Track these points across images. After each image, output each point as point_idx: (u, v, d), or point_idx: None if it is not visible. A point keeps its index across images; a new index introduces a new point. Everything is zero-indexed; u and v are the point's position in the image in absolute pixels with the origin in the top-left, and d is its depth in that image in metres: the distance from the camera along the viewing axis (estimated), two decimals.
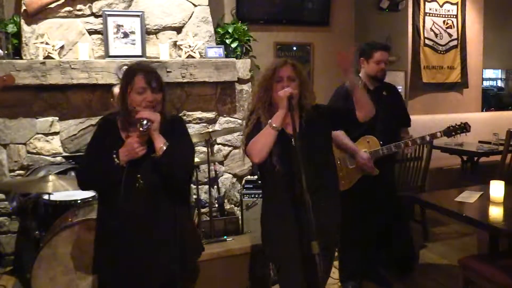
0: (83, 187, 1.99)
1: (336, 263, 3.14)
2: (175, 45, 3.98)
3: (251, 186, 3.86)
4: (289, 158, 1.97)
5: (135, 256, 1.83)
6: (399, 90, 5.00)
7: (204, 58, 3.94)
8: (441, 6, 5.53)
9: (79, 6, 3.73)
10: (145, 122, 1.76)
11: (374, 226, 2.99)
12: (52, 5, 3.65)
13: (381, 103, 2.73)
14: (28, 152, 3.69)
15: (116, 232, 1.82)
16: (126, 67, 3.59)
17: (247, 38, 4.23)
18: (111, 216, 1.85)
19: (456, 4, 5.61)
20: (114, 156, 1.78)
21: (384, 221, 3.04)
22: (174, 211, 1.88)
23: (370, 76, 2.95)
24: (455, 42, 5.64)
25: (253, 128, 2.04)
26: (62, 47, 3.69)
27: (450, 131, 2.94)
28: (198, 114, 4.06)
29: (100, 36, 3.79)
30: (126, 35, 3.79)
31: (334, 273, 3.06)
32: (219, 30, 4.20)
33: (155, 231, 1.85)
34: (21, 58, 3.61)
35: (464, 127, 2.96)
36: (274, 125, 1.94)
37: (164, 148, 1.79)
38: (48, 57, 3.59)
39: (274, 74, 2.03)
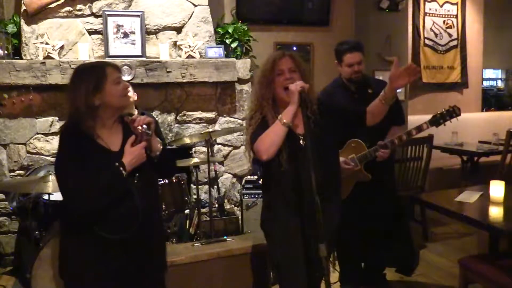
0: (81, 211, 1.72)
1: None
2: (175, 45, 3.98)
3: (251, 186, 3.86)
4: (297, 158, 1.93)
5: (130, 255, 1.81)
6: (399, 90, 5.02)
7: (204, 58, 3.94)
8: (441, 6, 5.53)
9: (79, 6, 3.73)
10: (146, 127, 1.77)
11: (375, 229, 2.92)
12: (52, 5, 3.65)
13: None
14: (28, 152, 3.69)
15: (120, 238, 1.77)
16: (126, 67, 3.64)
17: (247, 38, 4.23)
18: (114, 225, 1.78)
19: (456, 4, 5.61)
20: (121, 168, 1.73)
21: (384, 223, 2.99)
22: (159, 205, 2.03)
23: (346, 79, 2.83)
24: (455, 42, 5.64)
25: (258, 126, 1.96)
26: (62, 47, 3.69)
27: (437, 119, 2.60)
28: (198, 114, 4.06)
29: (100, 36, 3.79)
30: (126, 35, 3.79)
31: (334, 272, 3.06)
32: (219, 30, 4.20)
33: (153, 226, 1.87)
34: (21, 58, 3.62)
35: (452, 111, 2.57)
36: (285, 121, 1.87)
37: (161, 147, 1.85)
38: (48, 57, 3.59)
39: (274, 68, 1.96)
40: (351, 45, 2.81)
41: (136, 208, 1.76)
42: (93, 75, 1.78)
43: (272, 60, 1.98)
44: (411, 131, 2.67)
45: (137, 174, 1.81)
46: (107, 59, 3.69)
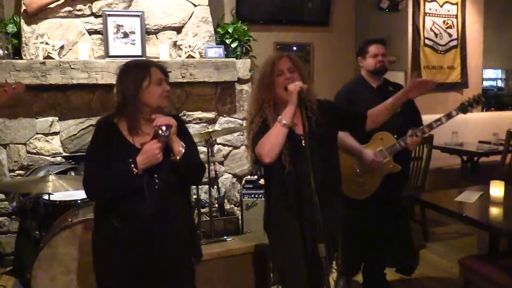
0: (94, 197, 1.92)
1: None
2: (175, 45, 3.98)
3: (251, 186, 3.86)
4: (299, 158, 1.92)
5: (151, 256, 1.83)
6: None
7: (204, 58, 3.94)
8: (441, 6, 5.52)
9: (79, 6, 3.73)
10: (164, 128, 1.75)
11: (376, 229, 2.89)
12: (52, 5, 3.65)
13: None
14: (28, 152, 3.69)
15: (131, 234, 1.81)
16: None
17: (247, 38, 4.23)
18: (125, 219, 1.82)
19: (456, 4, 5.60)
20: (132, 166, 1.75)
21: (385, 223, 2.96)
22: (186, 207, 1.97)
23: (370, 72, 2.88)
24: (455, 42, 5.63)
25: (259, 130, 1.95)
26: (62, 47, 3.69)
27: (465, 106, 2.69)
28: (198, 114, 4.06)
29: (100, 36, 3.79)
30: (126, 35, 3.79)
31: (334, 272, 3.06)
32: (219, 30, 4.20)
33: (171, 228, 1.87)
34: (21, 58, 3.61)
35: (478, 99, 2.70)
36: (284, 122, 1.85)
37: (183, 151, 1.81)
38: (48, 57, 3.59)
39: (273, 69, 1.96)
40: (378, 38, 3.02)
41: (144, 209, 1.77)
42: (136, 73, 1.83)
43: (271, 62, 1.98)
44: (441, 119, 2.72)
45: (156, 175, 1.81)
46: (107, 59, 3.69)
